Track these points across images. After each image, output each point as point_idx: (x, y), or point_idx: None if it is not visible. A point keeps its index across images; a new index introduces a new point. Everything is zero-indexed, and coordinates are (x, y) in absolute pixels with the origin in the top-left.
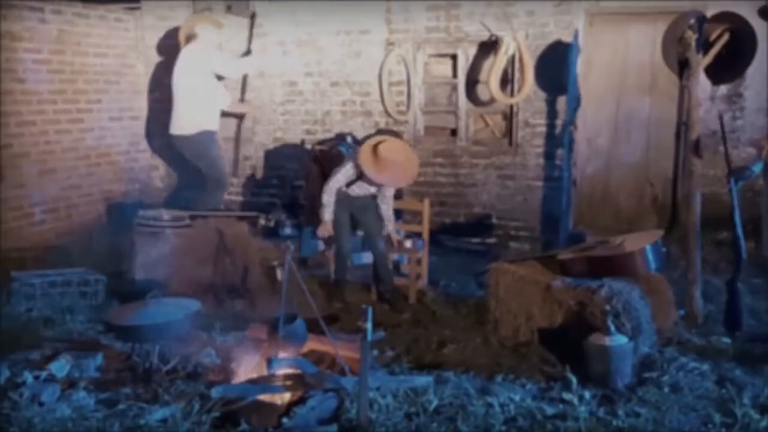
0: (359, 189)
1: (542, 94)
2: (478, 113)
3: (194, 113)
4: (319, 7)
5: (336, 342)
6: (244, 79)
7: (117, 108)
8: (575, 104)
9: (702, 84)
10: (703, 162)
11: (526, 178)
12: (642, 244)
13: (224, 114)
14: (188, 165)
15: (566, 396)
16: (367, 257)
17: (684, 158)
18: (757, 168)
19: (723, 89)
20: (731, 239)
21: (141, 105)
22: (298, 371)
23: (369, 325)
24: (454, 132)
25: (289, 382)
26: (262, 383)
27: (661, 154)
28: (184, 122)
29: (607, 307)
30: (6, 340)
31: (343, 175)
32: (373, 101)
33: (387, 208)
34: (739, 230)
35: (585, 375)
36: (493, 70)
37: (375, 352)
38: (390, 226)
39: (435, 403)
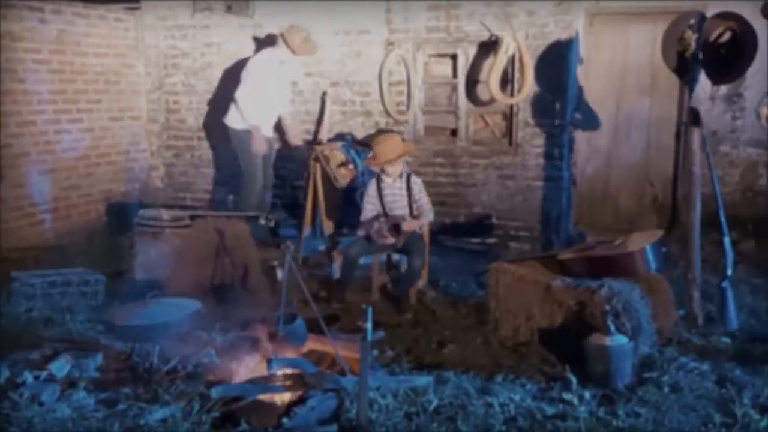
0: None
1: (542, 94)
2: (478, 113)
3: (250, 111)
4: (319, 7)
5: (336, 342)
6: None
7: (117, 108)
8: (575, 104)
9: (702, 84)
10: (703, 162)
11: (526, 178)
12: (642, 244)
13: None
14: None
15: (566, 396)
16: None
17: (684, 158)
18: None
19: (723, 89)
20: (718, 239)
21: (141, 105)
22: (298, 371)
23: (369, 325)
24: (454, 132)
25: (289, 382)
26: (262, 383)
27: (661, 154)
28: (237, 115)
29: (607, 307)
30: (6, 340)
31: (371, 196)
32: (373, 101)
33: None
34: (725, 228)
35: (585, 375)
36: (493, 70)
37: (375, 352)
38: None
39: (435, 403)
